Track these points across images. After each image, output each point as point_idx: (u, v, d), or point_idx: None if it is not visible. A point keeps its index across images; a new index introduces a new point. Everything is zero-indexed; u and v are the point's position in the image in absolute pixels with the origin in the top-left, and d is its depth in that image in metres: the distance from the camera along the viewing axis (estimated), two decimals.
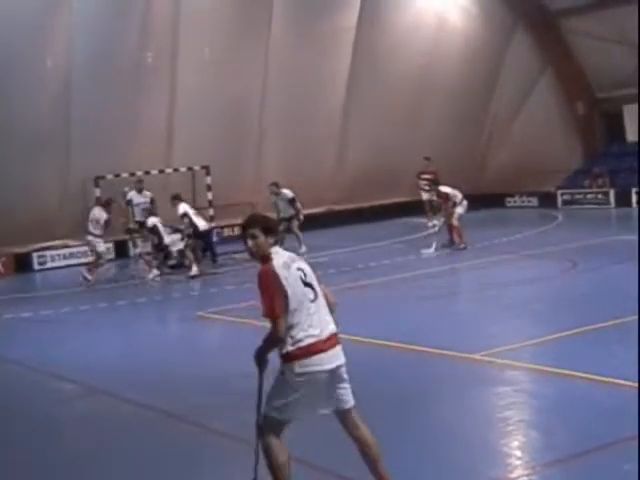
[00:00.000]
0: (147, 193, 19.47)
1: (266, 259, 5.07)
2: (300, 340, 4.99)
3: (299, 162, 24.06)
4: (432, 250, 17.80)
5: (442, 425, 7.01)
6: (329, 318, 5.19)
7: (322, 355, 5.03)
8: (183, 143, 22.61)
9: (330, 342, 5.10)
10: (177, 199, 17.81)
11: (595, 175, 26.52)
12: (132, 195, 19.45)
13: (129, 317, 14.08)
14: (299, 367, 5.00)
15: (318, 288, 5.18)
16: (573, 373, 7.84)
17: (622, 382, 7.36)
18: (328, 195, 25.50)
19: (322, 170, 25.10)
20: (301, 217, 19.45)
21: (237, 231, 22.37)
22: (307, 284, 5.11)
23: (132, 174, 21.34)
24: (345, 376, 5.19)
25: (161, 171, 22.52)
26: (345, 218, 25.24)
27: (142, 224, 18.50)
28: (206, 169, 22.86)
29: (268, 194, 19.89)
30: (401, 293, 13.83)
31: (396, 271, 15.77)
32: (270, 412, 5.11)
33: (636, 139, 26.75)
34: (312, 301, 5.09)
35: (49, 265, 21.49)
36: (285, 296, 4.96)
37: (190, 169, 23.06)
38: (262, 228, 5.13)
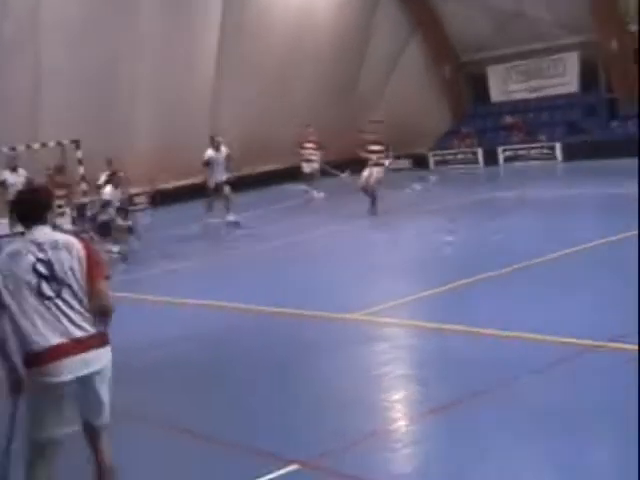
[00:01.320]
0: (22, 171, 18.60)
1: None
2: (31, 344, 4.38)
3: (171, 133, 23.74)
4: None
5: (322, 385, 7.12)
6: (78, 320, 4.44)
7: (58, 364, 4.36)
8: (50, 116, 21.87)
9: (68, 348, 4.38)
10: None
11: (463, 135, 27.37)
12: (6, 175, 18.44)
13: None
14: (35, 375, 4.42)
15: (76, 285, 4.47)
16: (447, 327, 8.15)
17: (493, 332, 7.72)
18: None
19: (195, 140, 24.78)
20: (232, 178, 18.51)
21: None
22: (50, 278, 4.44)
23: None
24: (99, 386, 4.49)
25: (28, 146, 21.70)
26: None
27: None
28: (76, 143, 22.19)
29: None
30: (274, 259, 13.84)
31: (272, 238, 15.83)
32: (28, 433, 4.50)
33: (500, 99, 27.86)
34: (49, 299, 4.42)
35: None
36: None
37: (59, 143, 22.32)
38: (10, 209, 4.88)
